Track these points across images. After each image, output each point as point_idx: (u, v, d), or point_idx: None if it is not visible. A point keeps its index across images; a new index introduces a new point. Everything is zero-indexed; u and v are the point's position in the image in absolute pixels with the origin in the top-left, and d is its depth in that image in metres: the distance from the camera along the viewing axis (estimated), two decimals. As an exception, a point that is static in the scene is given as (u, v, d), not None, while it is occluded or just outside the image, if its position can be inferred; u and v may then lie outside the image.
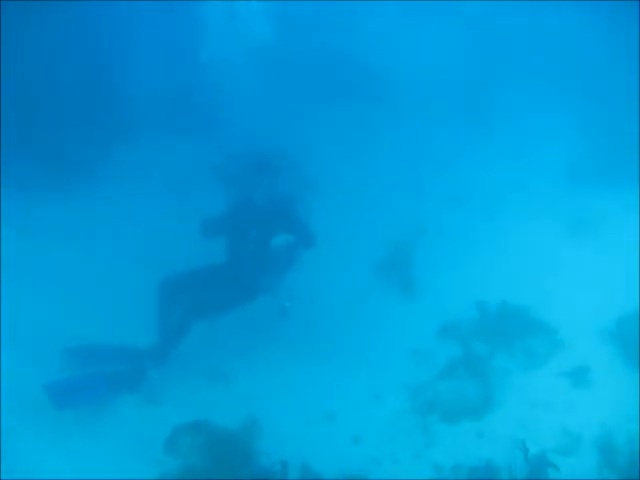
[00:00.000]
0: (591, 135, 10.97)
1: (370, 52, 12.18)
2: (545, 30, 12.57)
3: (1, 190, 8.57)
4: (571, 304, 7.54)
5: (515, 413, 6.08)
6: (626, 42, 11.74)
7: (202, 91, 11.12)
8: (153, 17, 11.58)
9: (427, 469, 5.52)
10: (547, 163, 10.57)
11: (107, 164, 9.93)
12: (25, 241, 8.07)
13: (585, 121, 11.31)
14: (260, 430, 5.31)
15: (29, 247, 7.97)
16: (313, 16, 13.18)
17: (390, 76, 11.97)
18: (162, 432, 5.38)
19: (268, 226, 6.36)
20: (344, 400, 6.21)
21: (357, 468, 5.38)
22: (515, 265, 8.42)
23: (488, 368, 6.60)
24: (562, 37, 12.37)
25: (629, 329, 6.92)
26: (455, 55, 12.38)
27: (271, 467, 4.95)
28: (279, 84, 11.60)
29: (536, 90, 11.93)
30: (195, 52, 11.64)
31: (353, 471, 5.30)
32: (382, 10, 13.63)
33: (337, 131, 11.02)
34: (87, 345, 6.23)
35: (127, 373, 6.03)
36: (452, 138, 11.10)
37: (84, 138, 9.82)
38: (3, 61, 9.18)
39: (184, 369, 6.31)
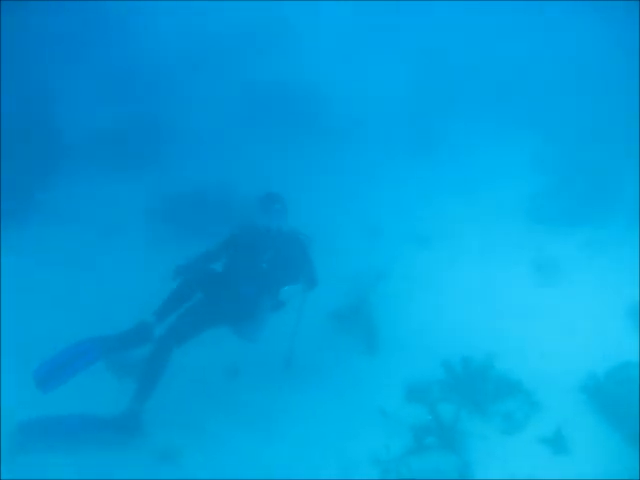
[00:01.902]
0: (549, 172, 10.74)
1: (321, 84, 11.77)
2: (504, 60, 12.44)
3: None
4: (543, 357, 7.12)
5: (497, 489, 5.48)
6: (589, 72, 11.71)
7: (147, 125, 10.58)
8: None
9: None
10: (508, 201, 10.21)
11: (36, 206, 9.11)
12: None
13: (543, 157, 11.12)
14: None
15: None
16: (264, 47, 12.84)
17: (344, 112, 11.53)
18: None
19: (283, 250, 6.24)
20: (307, 476, 5.48)
21: None
22: (481, 313, 7.93)
23: (463, 435, 6.03)
24: (520, 67, 12.29)
25: (606, 384, 6.48)
26: (410, 88, 12.13)
27: None
28: (228, 118, 11.12)
29: (493, 125, 11.76)
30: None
31: None
32: (331, 39, 13.36)
33: (285, 170, 10.43)
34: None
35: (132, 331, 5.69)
36: (408, 176, 10.68)
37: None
38: None
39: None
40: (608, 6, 11.85)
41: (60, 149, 10.13)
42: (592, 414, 6.36)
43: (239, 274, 6.11)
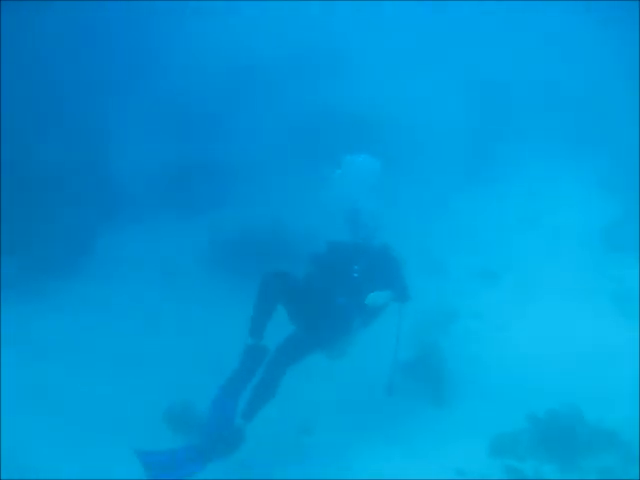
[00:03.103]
0: (621, 194, 10.07)
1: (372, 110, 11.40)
2: (563, 79, 11.95)
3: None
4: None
5: None
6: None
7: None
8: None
9: None
10: (579, 228, 9.59)
11: (90, 256, 8.93)
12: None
13: (613, 179, 10.45)
14: None
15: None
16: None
17: (399, 141, 11.09)
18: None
19: (373, 263, 6.02)
20: None
21: None
22: (561, 353, 7.32)
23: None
24: (580, 88, 11.76)
25: None
26: (469, 113, 11.69)
27: None
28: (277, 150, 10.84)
29: (557, 148, 11.18)
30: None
31: None
32: (382, 65, 13.05)
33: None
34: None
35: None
36: (472, 208, 10.15)
37: (61, 228, 8.83)
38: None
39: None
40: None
41: (113, 195, 10.02)
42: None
43: (332, 285, 5.84)
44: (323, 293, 5.80)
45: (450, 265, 9.07)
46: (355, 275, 5.92)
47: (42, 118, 10.14)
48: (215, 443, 5.19)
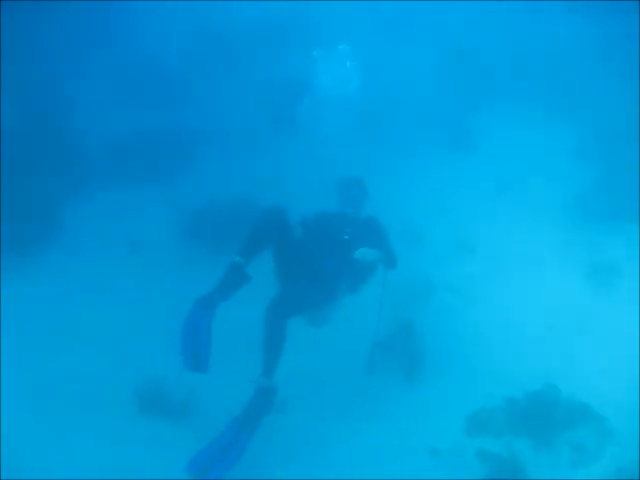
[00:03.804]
0: (596, 164, 10.01)
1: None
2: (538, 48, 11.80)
3: None
4: (612, 378, 6.44)
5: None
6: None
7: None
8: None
9: None
10: (555, 200, 9.51)
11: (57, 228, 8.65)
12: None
13: (589, 148, 10.36)
14: None
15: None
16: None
17: (373, 110, 10.88)
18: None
19: (360, 230, 5.98)
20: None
21: None
22: (538, 328, 7.31)
23: (532, 468, 5.43)
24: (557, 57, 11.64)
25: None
26: (444, 80, 11.50)
27: None
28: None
29: (532, 117, 11.04)
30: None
31: None
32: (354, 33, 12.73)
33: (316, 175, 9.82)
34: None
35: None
36: (448, 178, 10.01)
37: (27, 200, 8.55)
38: None
39: None
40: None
41: (79, 164, 9.71)
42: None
43: (322, 247, 5.78)
44: (312, 255, 5.71)
45: (426, 236, 8.94)
46: (346, 237, 5.87)
47: (5, 87, 9.76)
48: (251, 410, 5.05)
